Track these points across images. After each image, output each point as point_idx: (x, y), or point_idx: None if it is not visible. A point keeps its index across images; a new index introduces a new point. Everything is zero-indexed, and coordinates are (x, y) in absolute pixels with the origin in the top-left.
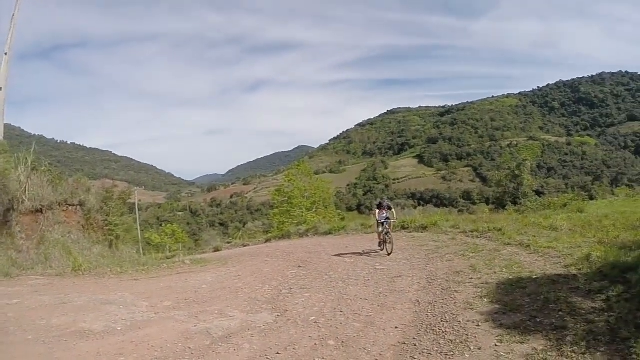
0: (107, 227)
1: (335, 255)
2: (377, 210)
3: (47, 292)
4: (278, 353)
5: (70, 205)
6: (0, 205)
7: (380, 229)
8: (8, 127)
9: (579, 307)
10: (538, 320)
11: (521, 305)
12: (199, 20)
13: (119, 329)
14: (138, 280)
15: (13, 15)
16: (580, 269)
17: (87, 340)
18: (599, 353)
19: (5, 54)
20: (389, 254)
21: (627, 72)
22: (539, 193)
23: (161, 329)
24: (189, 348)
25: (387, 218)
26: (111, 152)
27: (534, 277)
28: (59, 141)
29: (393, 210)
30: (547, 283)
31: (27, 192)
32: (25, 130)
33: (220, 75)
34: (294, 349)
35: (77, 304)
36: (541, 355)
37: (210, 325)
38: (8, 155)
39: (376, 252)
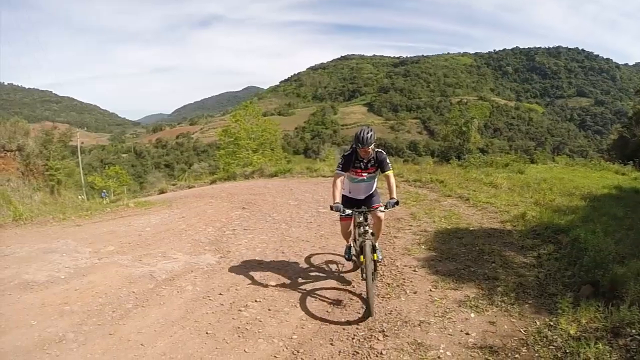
0: (48, 172)
1: (279, 198)
2: (342, 173)
3: None
4: (220, 294)
5: (8, 151)
6: None
7: (356, 223)
8: None
9: (511, 260)
10: (472, 269)
11: (457, 254)
12: None
13: (63, 277)
14: (81, 226)
15: None
16: (515, 226)
17: (31, 291)
18: (527, 305)
19: None
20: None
21: (583, 50)
22: (483, 151)
23: (105, 274)
24: (133, 292)
25: (371, 195)
26: (52, 92)
27: (471, 229)
28: None
29: (390, 172)
30: (482, 235)
31: None
32: None
33: (168, 10)
34: (236, 289)
35: (19, 255)
36: (473, 302)
37: (153, 268)
38: None
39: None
